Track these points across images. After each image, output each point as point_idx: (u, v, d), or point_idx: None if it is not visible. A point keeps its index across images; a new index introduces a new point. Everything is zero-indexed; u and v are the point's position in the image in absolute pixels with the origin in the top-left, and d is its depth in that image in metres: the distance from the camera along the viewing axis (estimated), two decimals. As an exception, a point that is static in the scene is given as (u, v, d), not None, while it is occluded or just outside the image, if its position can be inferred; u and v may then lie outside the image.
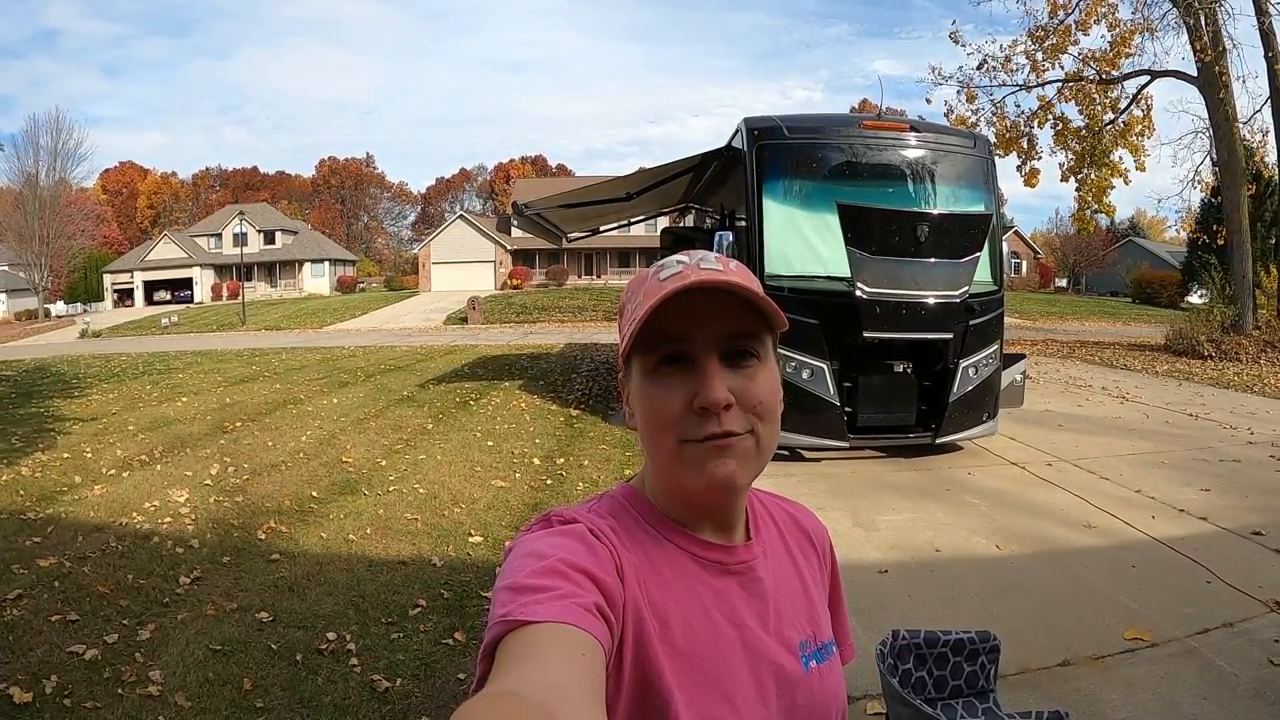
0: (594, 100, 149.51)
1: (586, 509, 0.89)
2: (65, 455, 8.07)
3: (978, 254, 7.08)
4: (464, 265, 55.76)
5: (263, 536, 5.42)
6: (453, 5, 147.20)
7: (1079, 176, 20.86)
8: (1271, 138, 18.53)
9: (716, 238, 7.37)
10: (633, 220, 15.16)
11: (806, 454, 7.34)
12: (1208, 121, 19.16)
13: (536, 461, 7.20)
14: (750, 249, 7.17)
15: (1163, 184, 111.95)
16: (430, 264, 56.59)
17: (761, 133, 7.35)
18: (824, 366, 6.92)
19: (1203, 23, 17.94)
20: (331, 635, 3.86)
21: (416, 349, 19.66)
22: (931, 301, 6.94)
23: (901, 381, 7.32)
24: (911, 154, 7.49)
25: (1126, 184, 20.40)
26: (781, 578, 0.95)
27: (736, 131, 7.89)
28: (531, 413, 9.60)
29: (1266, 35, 17.27)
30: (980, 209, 7.61)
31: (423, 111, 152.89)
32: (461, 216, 62.12)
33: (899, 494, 6.43)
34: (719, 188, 9.68)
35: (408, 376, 13.82)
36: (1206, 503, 6.15)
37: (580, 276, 58.35)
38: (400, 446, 8.11)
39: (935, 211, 7.17)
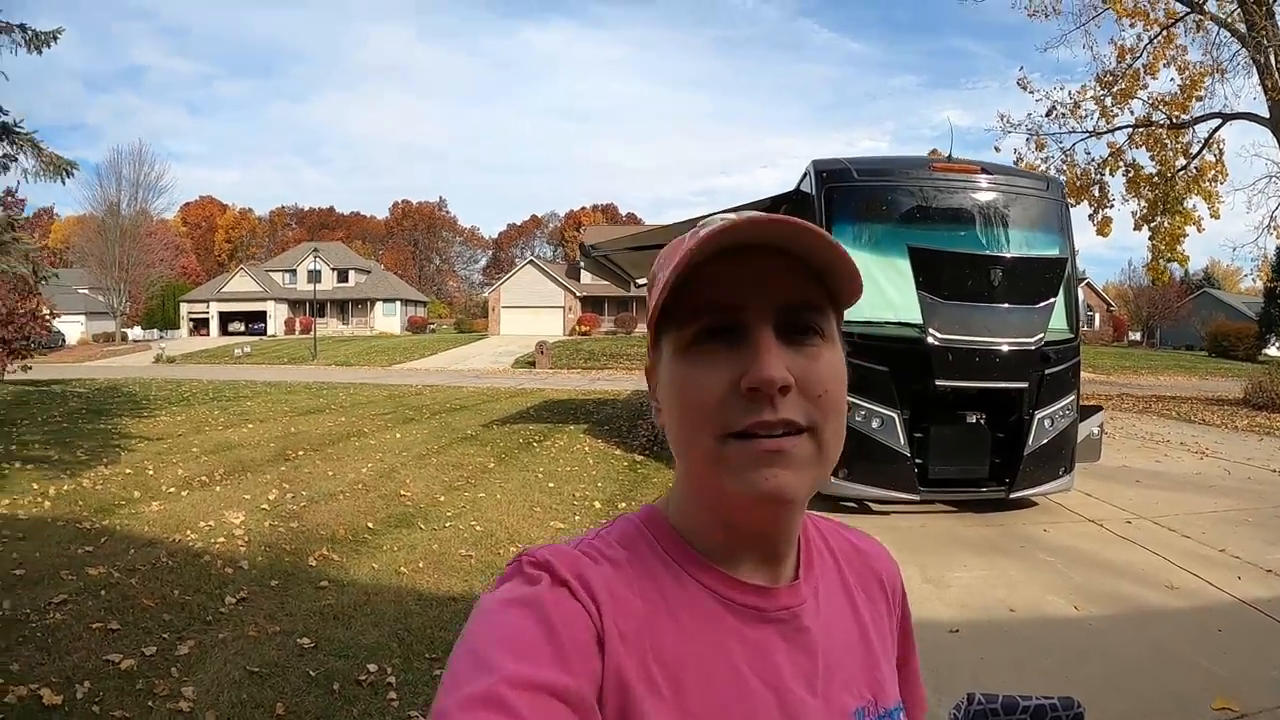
0: (661, 150, 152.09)
1: (590, 539, 0.73)
2: (127, 471, 8.42)
3: (1053, 299, 6.97)
4: (533, 310, 56.89)
5: (313, 563, 5.47)
6: (522, 54, 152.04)
7: (1152, 225, 20.45)
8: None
9: None
10: (698, 266, 15.35)
11: (874, 506, 7.22)
12: None
13: (598, 505, 7.29)
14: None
15: (1236, 232, 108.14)
16: (500, 307, 58.13)
17: (830, 175, 7.42)
18: (894, 415, 6.83)
19: (1273, 61, 17.61)
20: (373, 667, 3.82)
21: (483, 390, 20.02)
22: (1006, 348, 6.82)
23: (974, 432, 7.12)
24: (983, 196, 7.42)
25: (1200, 231, 19.92)
26: (837, 627, 0.76)
27: (805, 175, 7.97)
28: (595, 456, 9.71)
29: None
30: (1054, 252, 7.50)
31: (493, 157, 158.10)
32: (531, 262, 63.58)
33: (970, 550, 6.29)
34: None
35: (472, 416, 14.15)
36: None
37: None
38: (460, 483, 8.26)
39: (1009, 255, 7.06)
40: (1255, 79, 18.29)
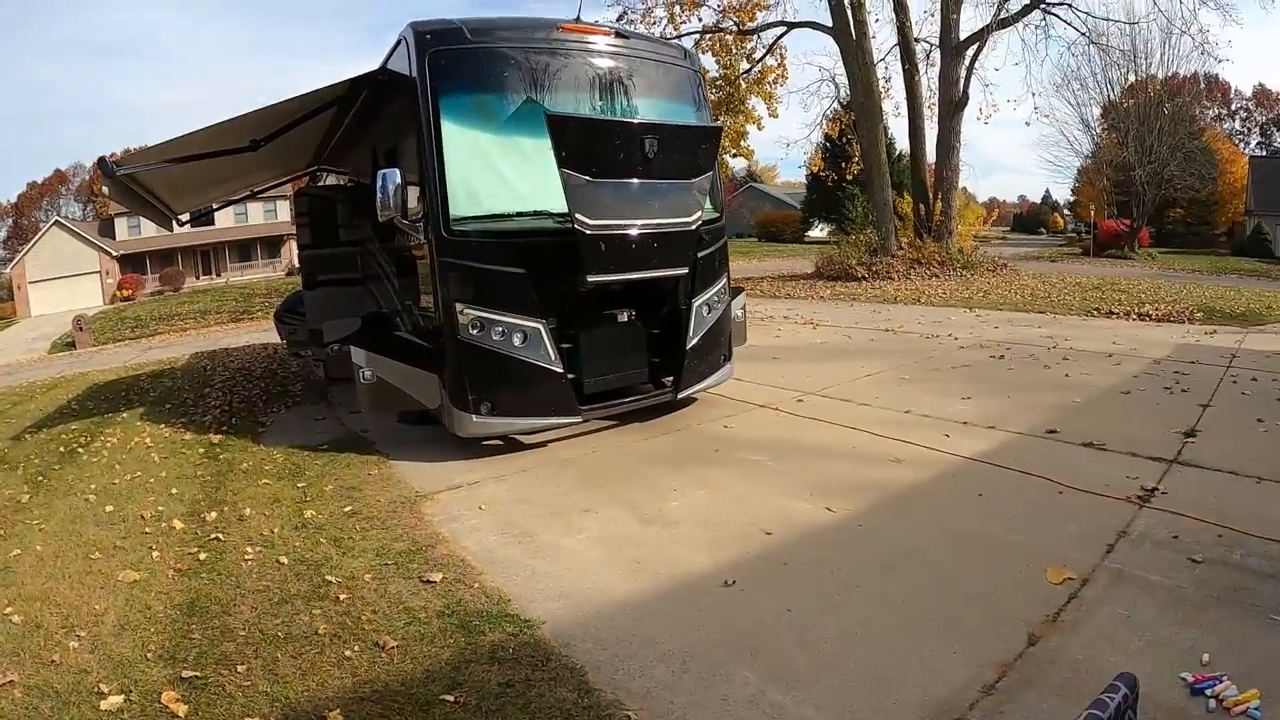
0: (202, 84, 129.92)
1: None
2: None
3: (709, 174, 6.09)
4: (67, 281, 47.17)
5: None
6: None
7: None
8: (897, 80, 20.69)
9: (380, 179, 5.50)
10: (256, 191, 12.35)
11: (524, 439, 5.92)
12: (838, 70, 20.87)
13: (178, 524, 4.70)
14: (426, 189, 5.45)
15: (788, 130, 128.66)
16: (26, 284, 47.82)
17: (435, 37, 5.51)
18: (539, 327, 5.51)
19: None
20: None
21: (14, 390, 14.35)
22: (666, 232, 5.78)
23: (629, 332, 6.16)
24: (622, 62, 6.20)
25: (760, 130, 21.72)
26: None
27: (398, 44, 5.96)
28: (161, 448, 6.84)
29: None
30: (707, 123, 6.74)
31: (5, 107, 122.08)
32: (58, 223, 51.72)
33: (666, 468, 5.24)
34: (364, 132, 7.64)
35: None
36: (980, 411, 6.01)
37: (199, 277, 51.38)
38: (-28, 542, 5.01)
39: (664, 122, 6.02)
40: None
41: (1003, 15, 20.88)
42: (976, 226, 23.68)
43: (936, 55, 21.20)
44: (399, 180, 5.47)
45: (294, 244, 52.33)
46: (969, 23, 21.06)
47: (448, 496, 4.87)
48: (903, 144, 29.20)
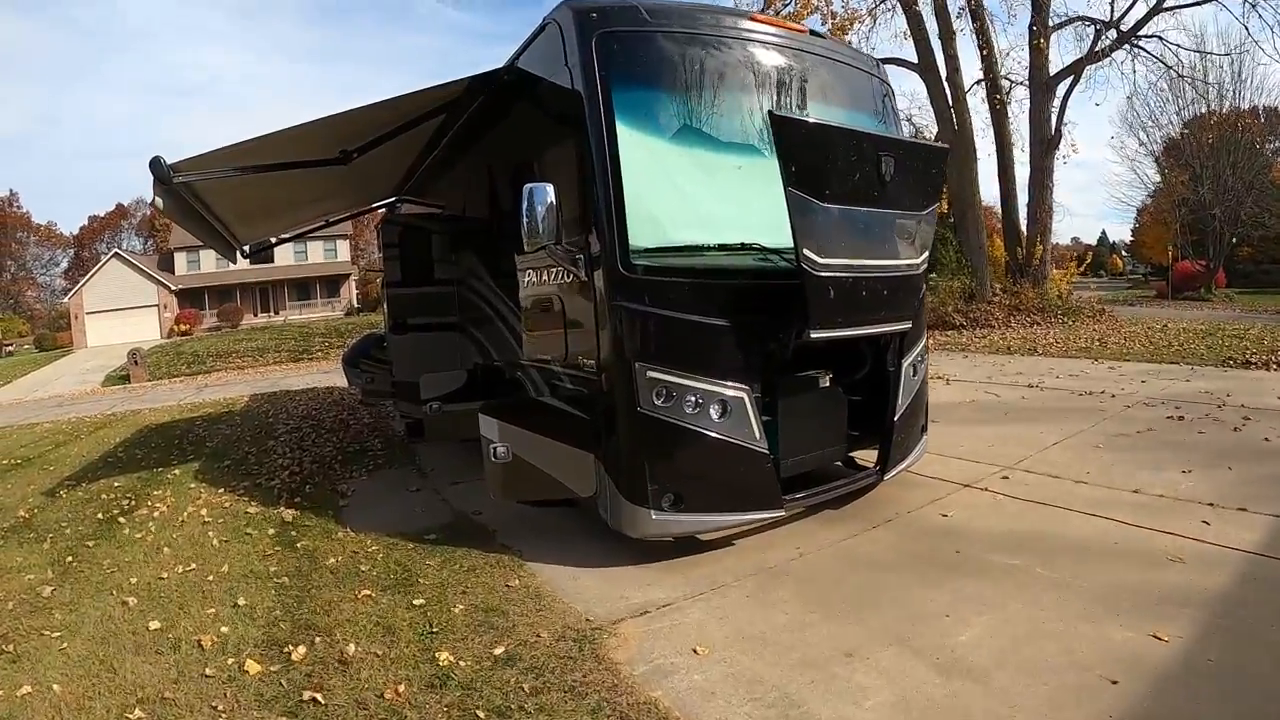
0: (263, 124, 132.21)
1: None
2: None
3: (937, 204, 4.86)
4: (124, 313, 47.20)
5: None
6: (112, 26, 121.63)
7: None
8: (977, 121, 19.65)
9: (528, 195, 4.19)
10: (331, 219, 11.20)
11: (704, 537, 4.53)
12: (912, 111, 20.00)
13: (253, 667, 3.36)
14: (592, 212, 4.16)
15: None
16: (84, 315, 47.71)
17: (605, 16, 4.27)
18: (743, 395, 4.19)
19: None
20: None
21: (61, 425, 13.32)
22: (897, 275, 4.51)
23: (829, 401, 4.93)
24: (822, 67, 5.00)
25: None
26: None
27: (542, 30, 4.79)
28: (220, 525, 5.61)
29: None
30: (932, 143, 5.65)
31: (76, 142, 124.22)
32: (117, 254, 52.01)
33: (914, 580, 3.92)
34: (476, 148, 6.44)
35: (33, 476, 8.40)
36: (1214, 488, 5.12)
37: (256, 314, 51.14)
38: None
39: (900, 139, 4.89)
40: (900, 24, 19.16)
41: (1097, 48, 19.86)
42: (1072, 271, 22.08)
43: (1019, 92, 20.24)
44: (552, 198, 4.18)
45: (353, 283, 52.59)
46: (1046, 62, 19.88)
47: (636, 629, 3.52)
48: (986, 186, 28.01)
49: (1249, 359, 10.71)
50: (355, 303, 52.27)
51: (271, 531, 5.37)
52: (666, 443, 4.05)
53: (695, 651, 3.26)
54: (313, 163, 5.78)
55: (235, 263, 10.78)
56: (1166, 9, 19.40)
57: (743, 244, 4.31)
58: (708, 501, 4.18)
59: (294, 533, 5.32)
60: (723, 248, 4.27)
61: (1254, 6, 17.67)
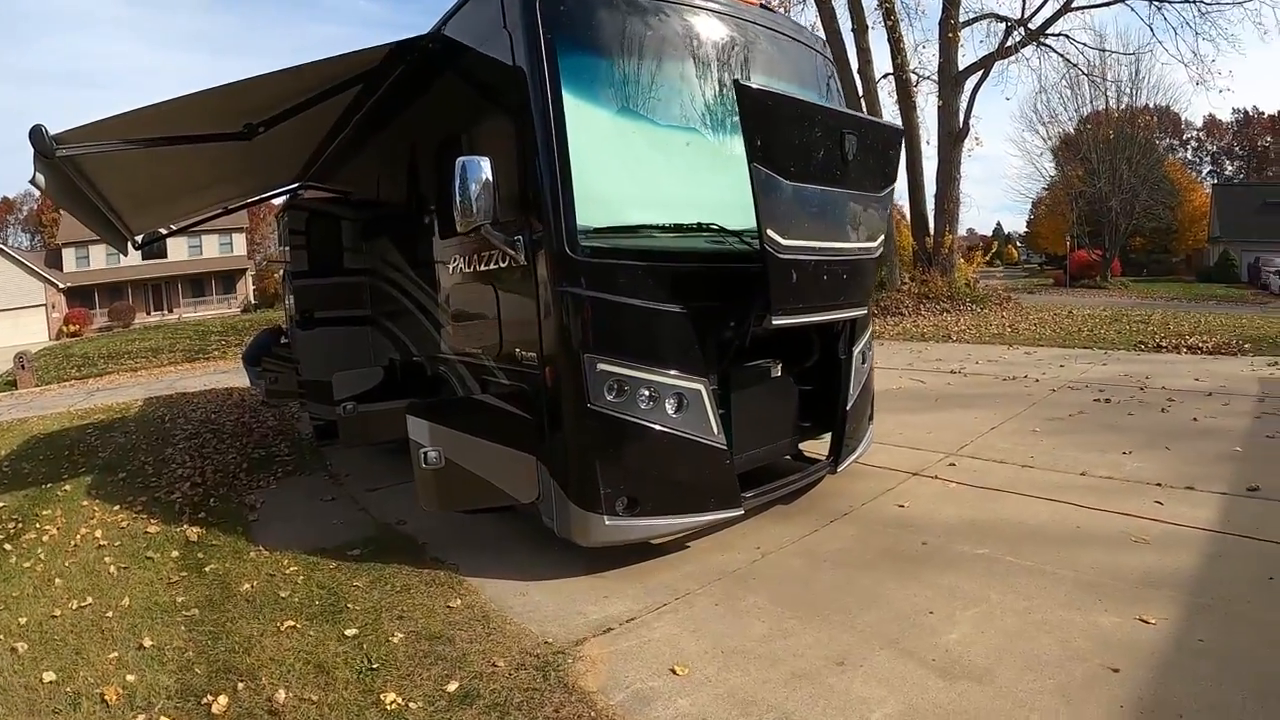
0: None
1: None
2: None
3: (894, 185, 4.69)
4: (9, 315, 43.28)
5: None
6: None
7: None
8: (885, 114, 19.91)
9: (461, 170, 3.77)
10: (230, 207, 10.33)
11: (657, 541, 4.18)
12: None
13: None
14: (533, 189, 3.78)
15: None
16: None
17: None
18: (699, 388, 3.90)
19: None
20: None
21: None
22: (855, 259, 4.30)
23: (780, 391, 4.71)
24: (775, 43, 4.79)
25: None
26: None
27: None
28: (118, 549, 4.94)
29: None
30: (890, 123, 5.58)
31: None
32: (0, 251, 47.44)
33: (887, 577, 3.75)
34: (394, 125, 5.90)
35: None
36: (1158, 469, 5.20)
37: (149, 313, 47.99)
38: None
39: (862, 116, 4.73)
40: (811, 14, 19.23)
41: (1008, 44, 20.49)
42: (979, 260, 22.74)
43: (928, 85, 20.70)
44: (488, 173, 3.75)
45: (249, 278, 49.96)
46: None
47: (602, 649, 3.18)
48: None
49: (1160, 343, 11.17)
50: (253, 299, 49.79)
51: (175, 554, 4.77)
52: (619, 442, 3.72)
53: (674, 672, 2.96)
54: (213, 136, 5.17)
55: (126, 254, 9.74)
56: (1075, 9, 20.10)
57: (699, 224, 4.03)
58: (665, 504, 3.86)
59: (200, 554, 4.73)
60: (677, 228, 3.99)
61: (1159, 10, 18.31)
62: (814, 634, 3.20)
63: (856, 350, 4.95)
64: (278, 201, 10.78)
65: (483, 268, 4.28)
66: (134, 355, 26.10)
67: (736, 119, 3.63)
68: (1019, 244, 70.45)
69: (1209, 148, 58.82)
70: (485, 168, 3.74)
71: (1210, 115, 56.04)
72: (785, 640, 3.16)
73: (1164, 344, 11.10)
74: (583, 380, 3.62)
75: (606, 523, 3.72)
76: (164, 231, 10.08)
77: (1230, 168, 57.21)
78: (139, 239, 8.93)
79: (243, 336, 23.64)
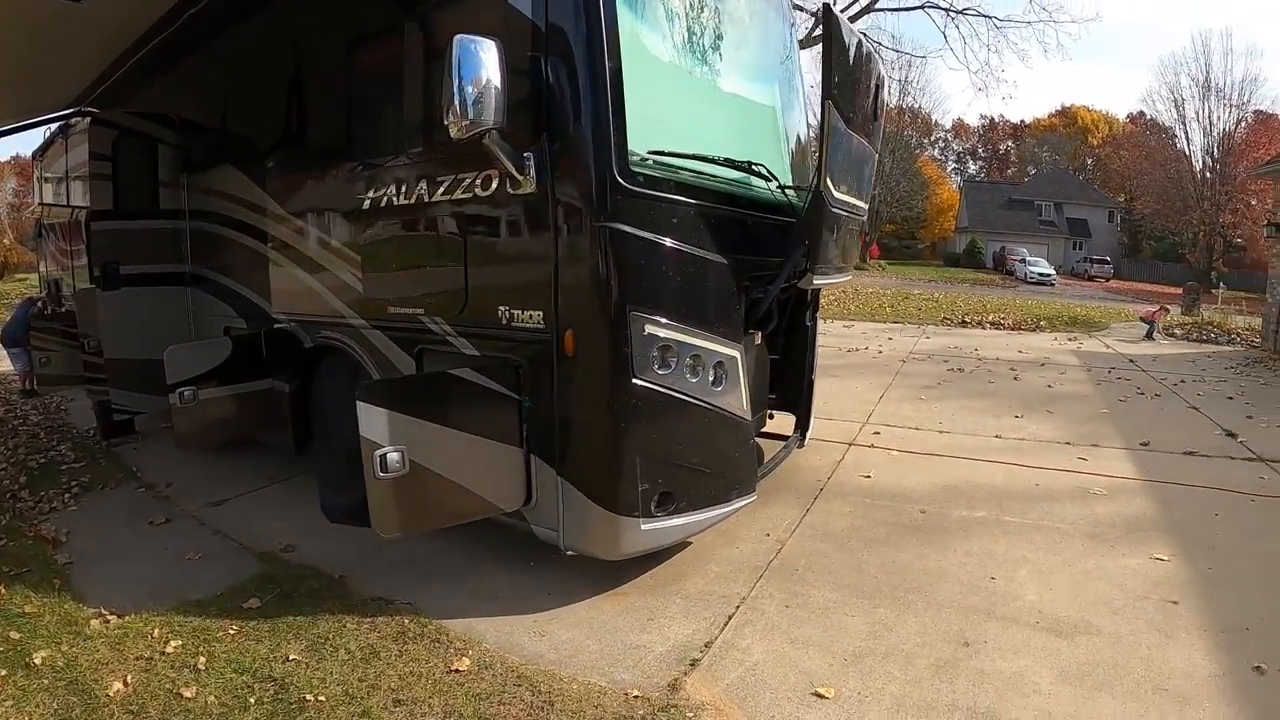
0: None
1: None
2: None
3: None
4: None
5: None
6: None
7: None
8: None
9: (459, 52, 2.58)
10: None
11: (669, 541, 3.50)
12: None
13: None
14: (567, 96, 2.84)
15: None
16: None
17: None
18: (737, 355, 3.27)
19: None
20: None
21: None
22: (857, 217, 3.91)
23: (760, 362, 4.28)
24: None
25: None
26: None
27: None
28: None
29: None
30: None
31: None
32: None
33: (921, 548, 3.56)
34: (256, 11, 4.47)
35: None
36: (1059, 429, 5.67)
37: None
38: None
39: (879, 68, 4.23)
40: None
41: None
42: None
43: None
44: (498, 61, 2.64)
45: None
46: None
47: (711, 688, 2.44)
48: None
49: (965, 320, 12.29)
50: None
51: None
52: (662, 425, 2.97)
53: (820, 695, 2.40)
54: None
55: None
56: (879, 10, 21.21)
57: (750, 165, 3.36)
58: (697, 496, 3.18)
59: (14, 633, 2.98)
60: (732, 164, 3.27)
61: (953, 19, 19.50)
62: (914, 621, 2.89)
63: (810, 317, 4.61)
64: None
65: (439, 197, 3.20)
66: None
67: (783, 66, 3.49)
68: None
69: (955, 148, 66.29)
70: (494, 52, 2.64)
71: (959, 119, 63.16)
72: (893, 633, 2.80)
73: (969, 321, 12.21)
74: (626, 347, 2.79)
75: (643, 527, 2.95)
76: None
77: (974, 167, 64.89)
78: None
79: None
